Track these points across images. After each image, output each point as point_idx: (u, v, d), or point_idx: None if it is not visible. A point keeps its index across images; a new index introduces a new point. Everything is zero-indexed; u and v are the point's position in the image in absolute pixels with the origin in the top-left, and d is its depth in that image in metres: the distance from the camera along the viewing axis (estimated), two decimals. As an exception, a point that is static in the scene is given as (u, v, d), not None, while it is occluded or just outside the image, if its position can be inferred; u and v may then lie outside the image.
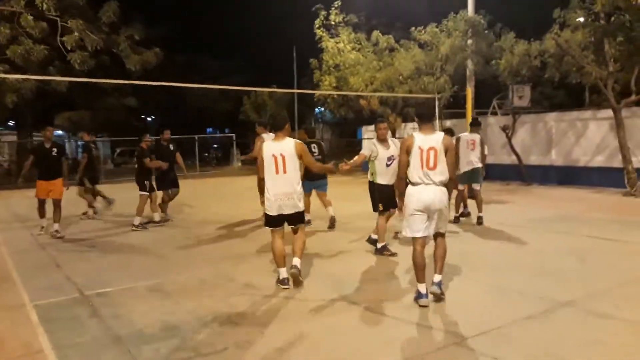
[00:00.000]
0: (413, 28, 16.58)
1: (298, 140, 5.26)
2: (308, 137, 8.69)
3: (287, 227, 5.22)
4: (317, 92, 18.13)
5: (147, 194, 8.92)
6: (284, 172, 5.00)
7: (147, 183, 8.95)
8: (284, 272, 5.12)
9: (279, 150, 5.04)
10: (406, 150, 4.59)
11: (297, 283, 5.08)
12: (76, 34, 17.41)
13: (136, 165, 9.33)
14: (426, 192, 4.47)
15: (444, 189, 4.53)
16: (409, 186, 4.62)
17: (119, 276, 5.67)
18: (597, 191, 13.01)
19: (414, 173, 4.53)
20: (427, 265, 4.54)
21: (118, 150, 36.15)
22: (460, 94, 16.02)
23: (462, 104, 16.45)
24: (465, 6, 16.26)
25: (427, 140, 4.52)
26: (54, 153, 8.27)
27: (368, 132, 25.07)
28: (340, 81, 19.25)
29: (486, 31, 15.40)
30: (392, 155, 6.23)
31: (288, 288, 5.03)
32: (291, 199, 5.02)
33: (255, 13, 44.14)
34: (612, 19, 12.83)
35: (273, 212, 5.06)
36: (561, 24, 13.66)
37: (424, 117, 4.79)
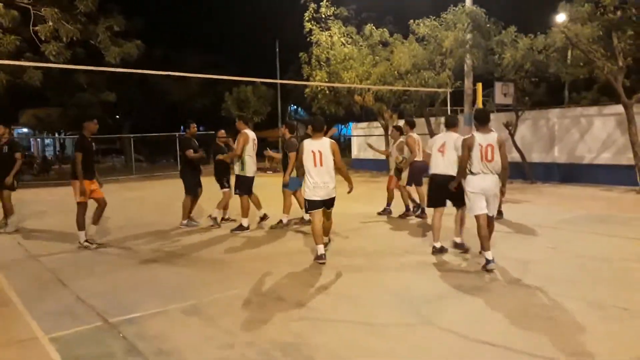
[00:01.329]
0: (412, 21, 15.98)
1: (332, 140, 6.12)
2: (289, 132, 8.26)
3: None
4: (320, 84, 17.18)
5: (229, 189, 8.56)
6: (321, 165, 5.94)
7: (225, 179, 8.62)
8: (321, 249, 6.00)
9: (317, 148, 5.96)
10: (468, 147, 5.57)
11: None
12: (51, 23, 16.14)
13: (213, 164, 8.70)
14: (485, 180, 5.54)
15: (497, 177, 5.61)
16: (470, 175, 5.62)
17: (142, 296, 4.83)
18: (606, 189, 12.72)
19: (475, 164, 5.54)
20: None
21: (88, 148, 34.55)
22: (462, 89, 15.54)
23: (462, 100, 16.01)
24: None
25: (485, 139, 5.54)
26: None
27: (358, 129, 24.54)
28: (332, 76, 18.57)
29: (488, 25, 14.93)
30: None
31: (324, 262, 5.89)
32: (327, 187, 5.96)
33: (236, 7, 43.10)
34: (619, 12, 12.57)
35: (313, 197, 6.00)
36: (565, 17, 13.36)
37: (481, 119, 5.69)
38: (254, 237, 7.60)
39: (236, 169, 7.99)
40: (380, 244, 7.01)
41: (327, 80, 18.40)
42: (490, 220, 5.69)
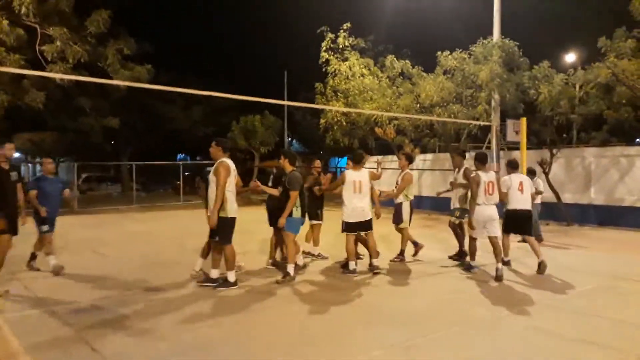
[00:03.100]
0: (439, 53, 15.34)
1: (372, 170, 7.57)
2: (290, 164, 6.89)
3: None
4: (348, 110, 16.12)
5: (321, 222, 8.28)
6: (360, 192, 7.07)
7: (320, 212, 8.30)
8: (353, 264, 7.16)
9: (359, 178, 7.11)
10: (477, 183, 7.06)
11: (376, 274, 7.16)
12: (58, 43, 15.30)
13: (308, 194, 7.82)
14: (487, 210, 7.07)
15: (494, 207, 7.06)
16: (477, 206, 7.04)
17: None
18: (654, 234, 11.86)
19: (480, 198, 7.01)
20: None
21: (84, 175, 33.31)
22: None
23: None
24: (486, 32, 15.31)
25: (487, 176, 7.17)
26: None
27: (370, 162, 23.68)
28: (350, 107, 17.79)
29: (521, 59, 14.31)
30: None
31: (356, 276, 6.98)
32: (363, 211, 7.06)
33: (245, 36, 42.79)
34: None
35: (351, 220, 7.04)
36: (605, 52, 12.77)
37: (482, 160, 7.38)
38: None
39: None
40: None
41: (345, 111, 17.63)
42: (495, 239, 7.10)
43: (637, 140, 23.20)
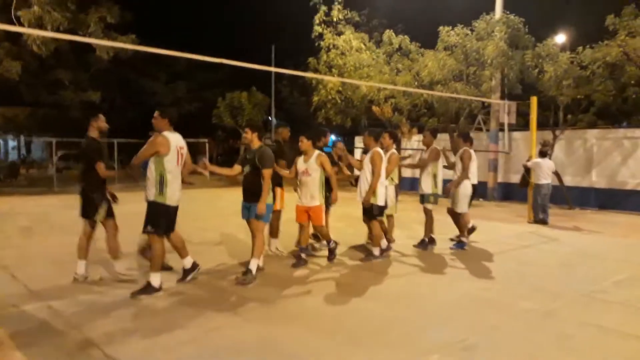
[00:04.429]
0: (441, 28, 14.76)
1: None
2: (258, 138, 5.80)
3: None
4: (367, 83, 15.07)
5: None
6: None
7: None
8: (385, 243, 6.90)
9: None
10: (470, 158, 7.65)
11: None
12: (36, 8, 14.20)
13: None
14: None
15: None
16: (467, 181, 7.57)
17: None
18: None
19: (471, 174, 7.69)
20: None
21: (59, 153, 31.94)
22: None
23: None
24: (487, 7, 14.80)
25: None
26: None
27: (360, 142, 23.12)
28: (345, 84, 17.13)
29: (526, 36, 13.84)
30: None
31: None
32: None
33: (231, 9, 41.31)
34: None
35: (383, 203, 6.60)
36: (614, 31, 12.40)
37: (471, 139, 8.01)
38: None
39: (150, 193, 5.00)
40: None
41: (340, 88, 16.99)
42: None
43: (624, 124, 23.11)
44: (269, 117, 41.12)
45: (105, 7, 15.81)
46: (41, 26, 14.56)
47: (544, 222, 10.51)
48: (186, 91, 29.70)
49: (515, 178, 15.50)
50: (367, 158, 6.54)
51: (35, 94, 23.08)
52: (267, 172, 5.59)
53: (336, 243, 6.72)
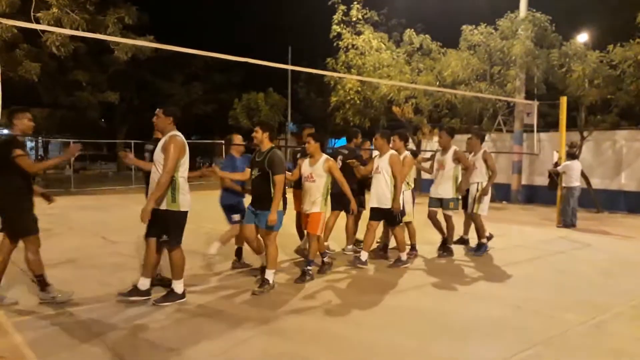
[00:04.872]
0: (465, 26, 14.43)
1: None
2: (269, 139, 5.33)
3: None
4: (389, 82, 14.59)
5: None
6: None
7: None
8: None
9: None
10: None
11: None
12: (55, 10, 14.15)
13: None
14: None
15: None
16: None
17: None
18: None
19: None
20: None
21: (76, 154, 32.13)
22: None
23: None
24: (510, 6, 14.44)
25: None
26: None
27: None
28: (364, 84, 16.86)
29: (553, 34, 13.45)
30: None
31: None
32: None
33: (247, 10, 41.22)
34: None
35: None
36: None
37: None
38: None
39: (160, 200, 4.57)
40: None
41: (359, 88, 16.72)
42: None
43: None
44: (286, 119, 41.14)
45: (123, 8, 15.73)
46: (60, 27, 14.51)
47: (572, 225, 10.16)
48: (202, 92, 29.64)
49: (540, 180, 15.12)
50: (383, 161, 6.14)
51: (54, 95, 23.16)
52: (279, 179, 5.09)
53: (332, 260, 6.15)
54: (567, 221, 10.20)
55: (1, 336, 3.95)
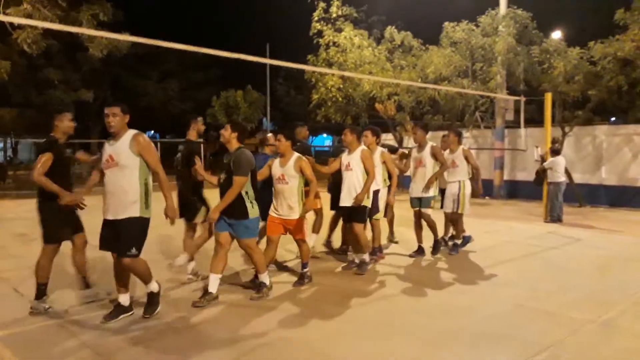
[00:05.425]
0: (446, 23, 14.43)
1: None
2: (238, 139, 4.96)
3: None
4: (374, 78, 14.21)
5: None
6: None
7: None
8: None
9: None
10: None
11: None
12: (25, 6, 13.61)
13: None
14: None
15: None
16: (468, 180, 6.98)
17: None
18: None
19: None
20: None
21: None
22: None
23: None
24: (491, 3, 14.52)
25: None
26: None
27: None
28: (346, 82, 16.74)
29: (534, 31, 13.56)
30: None
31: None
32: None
33: (223, 7, 40.58)
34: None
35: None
36: (625, 26, 12.16)
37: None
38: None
39: (131, 208, 4.22)
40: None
41: (341, 85, 16.58)
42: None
43: (612, 119, 22.96)
44: (264, 117, 40.76)
45: (97, 4, 15.21)
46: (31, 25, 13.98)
47: (559, 220, 10.26)
48: (178, 90, 29.09)
49: (522, 175, 15.29)
50: (354, 158, 5.82)
51: (25, 94, 22.38)
52: (238, 181, 4.66)
53: (309, 277, 5.55)
54: (554, 216, 10.29)
55: None
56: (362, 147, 5.94)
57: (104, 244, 4.31)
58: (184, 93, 29.22)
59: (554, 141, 13.47)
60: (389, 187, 6.68)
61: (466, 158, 6.94)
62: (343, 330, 4.18)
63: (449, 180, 6.97)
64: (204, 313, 4.55)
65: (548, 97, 10.61)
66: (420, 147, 6.79)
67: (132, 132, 4.31)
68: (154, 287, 4.45)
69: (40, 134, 28.34)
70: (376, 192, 6.32)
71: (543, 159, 10.76)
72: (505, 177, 15.59)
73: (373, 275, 6.00)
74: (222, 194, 4.78)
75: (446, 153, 7.04)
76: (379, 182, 6.35)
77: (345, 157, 5.97)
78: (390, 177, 6.66)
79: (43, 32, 14.36)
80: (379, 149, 6.48)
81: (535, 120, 18.56)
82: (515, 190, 15.36)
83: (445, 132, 7.91)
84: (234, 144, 4.88)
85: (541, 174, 10.68)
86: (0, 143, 38.14)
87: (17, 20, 11.23)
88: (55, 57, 18.95)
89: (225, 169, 4.82)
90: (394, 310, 4.74)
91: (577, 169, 14.00)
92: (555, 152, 10.58)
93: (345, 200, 5.86)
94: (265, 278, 5.02)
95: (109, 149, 4.28)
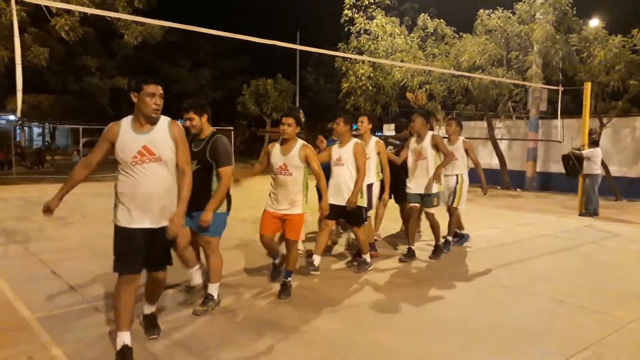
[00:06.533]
0: (481, 11, 14.10)
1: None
2: (208, 120, 4.20)
3: None
4: (408, 65, 13.87)
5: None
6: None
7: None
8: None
9: None
10: None
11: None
12: (63, -7, 13.84)
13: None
14: None
15: None
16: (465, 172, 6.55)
17: None
18: None
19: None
20: None
21: (83, 140, 32.02)
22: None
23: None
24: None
25: None
26: None
27: (390, 130, 22.55)
28: (376, 70, 16.58)
29: (574, 18, 13.12)
30: None
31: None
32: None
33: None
34: None
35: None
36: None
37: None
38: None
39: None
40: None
41: (371, 74, 16.43)
42: None
43: None
44: (292, 105, 40.86)
45: (132, -10, 15.39)
46: (68, 12, 14.25)
47: (595, 214, 9.98)
48: (210, 78, 29.34)
49: (556, 167, 14.90)
50: (346, 152, 5.27)
51: (62, 80, 22.92)
52: (225, 172, 4.03)
53: (291, 286, 4.72)
54: (590, 209, 10.01)
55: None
56: (356, 140, 5.38)
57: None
58: (215, 81, 29.47)
59: (591, 132, 13.13)
60: (382, 181, 6.14)
61: (466, 151, 6.48)
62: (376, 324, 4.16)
63: (446, 174, 6.36)
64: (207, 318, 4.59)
65: (587, 87, 10.28)
66: (420, 137, 5.98)
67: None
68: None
69: (77, 120, 29.20)
70: (370, 186, 5.92)
71: (579, 149, 10.44)
72: (538, 169, 15.25)
73: (401, 270, 5.95)
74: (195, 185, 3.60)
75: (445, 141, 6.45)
76: (372, 175, 5.94)
77: (335, 150, 5.38)
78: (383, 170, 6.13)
79: (80, 20, 14.63)
80: (374, 138, 6.06)
81: (569, 111, 18.04)
82: (548, 182, 15.03)
83: (448, 120, 7.14)
84: (206, 130, 4.17)
85: (575, 162, 10.23)
86: (39, 129, 39.25)
87: (56, 4, 11.40)
88: (91, 44, 19.29)
89: (197, 158, 4.09)
90: (426, 305, 4.67)
91: (614, 162, 13.59)
92: (594, 143, 10.27)
93: (334, 198, 5.21)
94: (214, 290, 4.23)
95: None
